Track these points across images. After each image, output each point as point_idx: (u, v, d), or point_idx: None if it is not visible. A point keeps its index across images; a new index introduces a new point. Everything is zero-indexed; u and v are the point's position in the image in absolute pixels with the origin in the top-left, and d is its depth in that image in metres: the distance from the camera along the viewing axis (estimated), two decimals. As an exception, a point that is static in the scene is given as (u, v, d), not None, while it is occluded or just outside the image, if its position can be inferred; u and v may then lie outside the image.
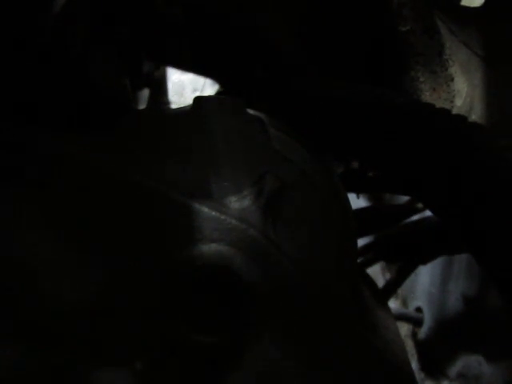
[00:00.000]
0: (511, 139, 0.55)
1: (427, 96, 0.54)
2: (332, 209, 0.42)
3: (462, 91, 0.56)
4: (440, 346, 1.07)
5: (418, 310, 1.13)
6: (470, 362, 0.98)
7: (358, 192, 0.68)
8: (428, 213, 0.69)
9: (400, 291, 1.20)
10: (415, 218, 0.73)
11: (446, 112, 0.42)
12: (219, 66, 0.50)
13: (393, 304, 1.19)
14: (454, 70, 0.55)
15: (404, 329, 1.15)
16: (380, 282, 1.12)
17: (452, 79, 0.55)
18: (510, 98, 0.59)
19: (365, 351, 0.37)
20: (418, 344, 1.12)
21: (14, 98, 0.37)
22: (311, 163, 0.43)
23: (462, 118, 0.41)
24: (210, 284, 0.32)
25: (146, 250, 0.33)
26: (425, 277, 1.11)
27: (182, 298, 0.31)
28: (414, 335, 1.14)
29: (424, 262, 0.74)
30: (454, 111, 0.55)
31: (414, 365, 1.10)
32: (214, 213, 0.33)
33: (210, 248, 0.32)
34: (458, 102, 0.56)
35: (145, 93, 0.76)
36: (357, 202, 0.68)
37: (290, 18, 0.54)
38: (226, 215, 0.33)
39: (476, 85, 0.57)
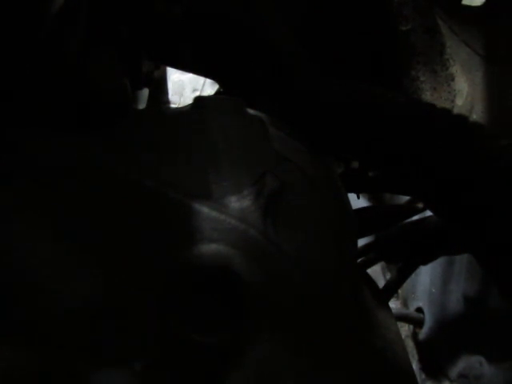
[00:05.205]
0: (512, 139, 0.55)
1: (428, 95, 0.54)
2: (332, 209, 0.42)
3: (462, 91, 0.56)
4: (441, 346, 1.06)
5: (419, 310, 1.13)
6: (471, 363, 0.98)
7: (358, 192, 0.67)
8: (428, 213, 0.69)
9: (400, 291, 1.19)
10: (415, 218, 0.73)
11: (446, 112, 0.42)
12: (219, 65, 0.50)
13: (393, 304, 1.18)
14: (455, 69, 0.55)
15: (404, 329, 1.15)
16: (380, 282, 1.12)
17: (453, 79, 0.55)
18: (511, 98, 0.58)
19: (365, 351, 0.36)
20: (419, 344, 1.11)
21: (13, 98, 0.37)
22: (311, 163, 0.43)
23: (462, 118, 0.41)
24: (210, 284, 0.32)
25: (146, 250, 0.33)
26: (425, 277, 1.11)
27: (182, 298, 0.31)
28: (414, 336, 1.14)
29: (424, 262, 0.74)
30: (455, 111, 0.55)
31: (415, 365, 1.09)
32: (213, 213, 0.33)
33: (209, 248, 0.32)
34: (459, 102, 0.56)
35: (145, 93, 0.76)
36: (357, 202, 0.68)
37: (290, 17, 0.54)
38: (225, 215, 0.33)
39: (477, 84, 0.57)
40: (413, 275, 0.81)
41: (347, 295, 0.39)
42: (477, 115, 0.57)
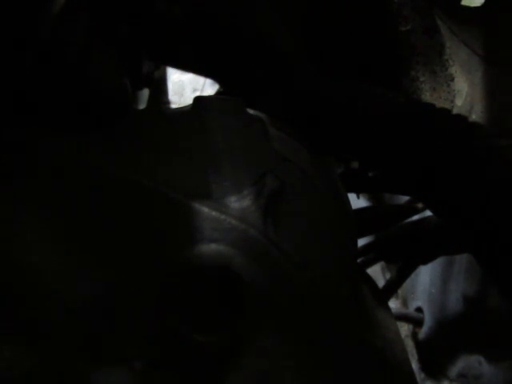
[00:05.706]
0: (511, 139, 0.55)
1: (427, 96, 0.54)
2: (332, 209, 0.42)
3: (462, 91, 0.56)
4: (440, 346, 1.06)
5: (419, 310, 1.13)
6: (470, 362, 0.98)
7: (357, 192, 0.67)
8: (428, 213, 0.69)
9: (400, 291, 1.19)
10: (415, 217, 0.73)
11: (446, 112, 0.42)
12: (219, 66, 0.50)
13: (393, 304, 1.18)
14: (455, 69, 0.56)
15: (404, 329, 1.15)
16: (380, 282, 1.12)
17: (452, 79, 0.55)
18: (510, 98, 0.59)
19: (365, 351, 0.37)
20: (419, 344, 1.11)
21: (14, 98, 0.37)
22: (311, 163, 0.43)
23: (462, 118, 0.41)
24: (210, 284, 0.32)
25: (146, 250, 0.33)
26: (425, 277, 1.11)
27: (182, 298, 0.31)
28: (414, 335, 1.14)
29: (424, 262, 0.74)
30: (455, 111, 0.55)
31: (415, 365, 1.09)
32: (213, 213, 0.33)
33: (209, 248, 0.32)
34: (459, 102, 0.56)
35: (145, 93, 0.76)
36: (357, 202, 0.68)
37: (290, 18, 0.54)
38: (225, 215, 0.33)
39: (476, 84, 0.57)
40: (412, 275, 0.81)
41: (347, 295, 0.39)
42: (476, 115, 0.57)
